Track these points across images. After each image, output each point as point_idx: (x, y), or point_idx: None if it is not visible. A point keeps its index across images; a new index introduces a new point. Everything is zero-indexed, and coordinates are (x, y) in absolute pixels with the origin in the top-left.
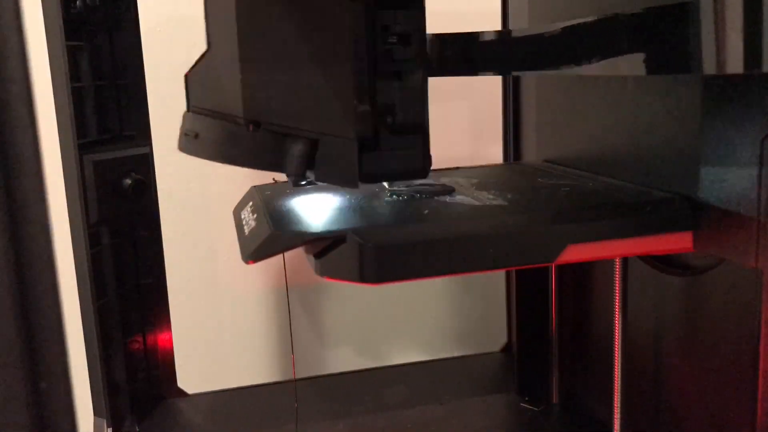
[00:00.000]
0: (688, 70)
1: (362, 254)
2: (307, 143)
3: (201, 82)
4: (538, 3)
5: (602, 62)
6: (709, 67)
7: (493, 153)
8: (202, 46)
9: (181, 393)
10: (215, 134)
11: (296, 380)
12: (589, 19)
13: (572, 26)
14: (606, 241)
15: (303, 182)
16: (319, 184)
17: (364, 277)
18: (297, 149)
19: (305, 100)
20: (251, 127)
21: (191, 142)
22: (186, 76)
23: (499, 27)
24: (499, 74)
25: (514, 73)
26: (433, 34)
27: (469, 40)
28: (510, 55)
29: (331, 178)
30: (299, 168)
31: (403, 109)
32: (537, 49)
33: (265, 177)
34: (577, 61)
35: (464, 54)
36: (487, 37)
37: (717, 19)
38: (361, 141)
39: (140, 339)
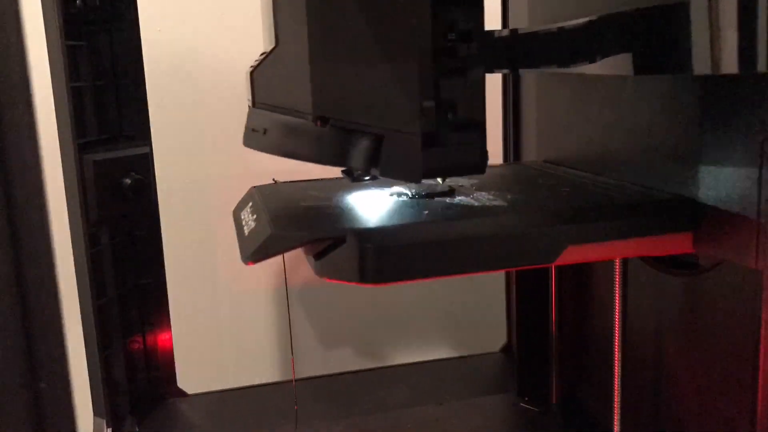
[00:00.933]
0: (685, 70)
1: (362, 255)
2: (373, 139)
3: (267, 78)
4: (538, 3)
5: (603, 61)
6: (704, 68)
7: (493, 153)
8: (202, 46)
9: (181, 393)
10: (282, 130)
11: (296, 380)
12: (588, 18)
13: (573, 25)
14: (606, 242)
15: (367, 178)
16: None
17: (363, 278)
18: (363, 144)
19: (372, 96)
20: (319, 123)
21: (258, 138)
22: (250, 72)
23: (499, 27)
24: (507, 72)
25: (520, 71)
26: None
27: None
28: (516, 52)
29: (394, 173)
30: (365, 163)
31: (464, 105)
32: (540, 48)
33: (265, 178)
34: (577, 61)
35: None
36: (498, 35)
37: (712, 19)
38: (425, 137)
39: (140, 339)
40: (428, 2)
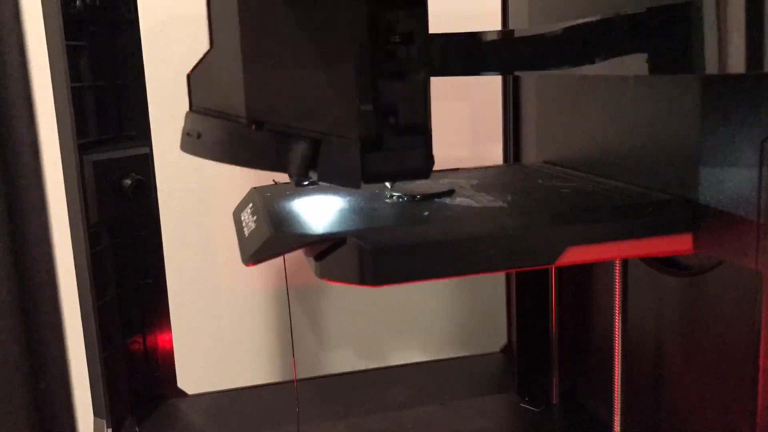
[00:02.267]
0: (690, 70)
1: (362, 257)
2: (310, 143)
3: (204, 81)
4: (538, 3)
5: (605, 62)
6: (711, 67)
7: (493, 154)
8: (202, 46)
9: (181, 393)
10: (218, 134)
11: (297, 380)
12: (592, 18)
13: (575, 26)
14: (606, 243)
15: (305, 182)
16: (321, 184)
17: (364, 280)
18: (300, 149)
19: (308, 99)
20: (254, 127)
21: (194, 143)
22: (188, 75)
23: (499, 27)
24: (501, 74)
25: (517, 73)
26: (434, 34)
27: (471, 40)
28: (512, 55)
29: (333, 179)
30: (302, 168)
31: (406, 108)
32: (539, 49)
33: (265, 178)
34: (580, 61)
35: (467, 54)
36: (490, 37)
37: (719, 19)
38: (365, 141)
39: (140, 339)
40: (365, 2)
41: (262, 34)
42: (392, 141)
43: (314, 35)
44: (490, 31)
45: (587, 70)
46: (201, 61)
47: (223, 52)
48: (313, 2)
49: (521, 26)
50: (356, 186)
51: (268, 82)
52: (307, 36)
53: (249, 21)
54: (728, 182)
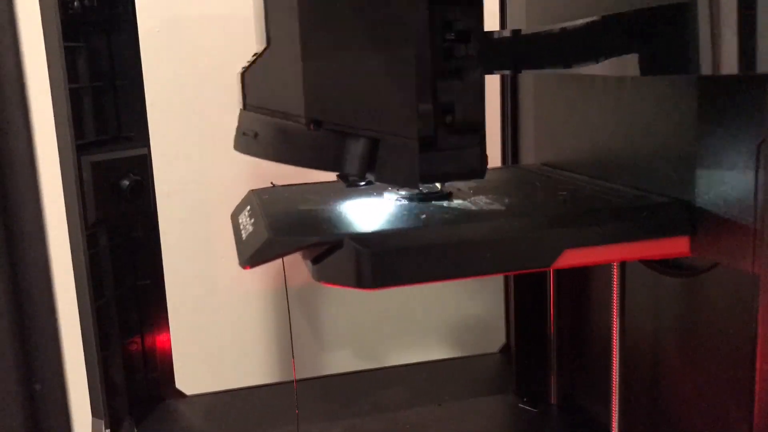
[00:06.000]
0: (685, 71)
1: (359, 260)
2: (368, 143)
3: (259, 80)
4: (536, 3)
5: (601, 62)
6: (706, 68)
7: (491, 156)
8: (200, 47)
9: (180, 394)
10: (274, 133)
11: (296, 381)
12: (588, 19)
13: (570, 26)
14: (603, 245)
15: (362, 183)
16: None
17: (361, 283)
18: (358, 149)
19: (367, 99)
20: (312, 126)
21: (249, 142)
22: (242, 74)
23: (497, 27)
24: (509, 73)
25: (523, 72)
26: None
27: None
28: (521, 53)
29: (391, 179)
30: (360, 168)
31: (463, 107)
32: (537, 49)
33: (263, 181)
34: (576, 61)
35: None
36: (500, 36)
37: (713, 20)
38: (422, 141)
39: (138, 340)
40: (425, 1)
41: (321, 32)
42: (447, 141)
43: (373, 33)
44: (494, 31)
45: (583, 70)
46: (255, 59)
47: (281, 51)
48: (373, 1)
49: (519, 26)
50: (414, 186)
51: (327, 81)
52: (367, 34)
53: (308, 20)
54: (725, 185)
